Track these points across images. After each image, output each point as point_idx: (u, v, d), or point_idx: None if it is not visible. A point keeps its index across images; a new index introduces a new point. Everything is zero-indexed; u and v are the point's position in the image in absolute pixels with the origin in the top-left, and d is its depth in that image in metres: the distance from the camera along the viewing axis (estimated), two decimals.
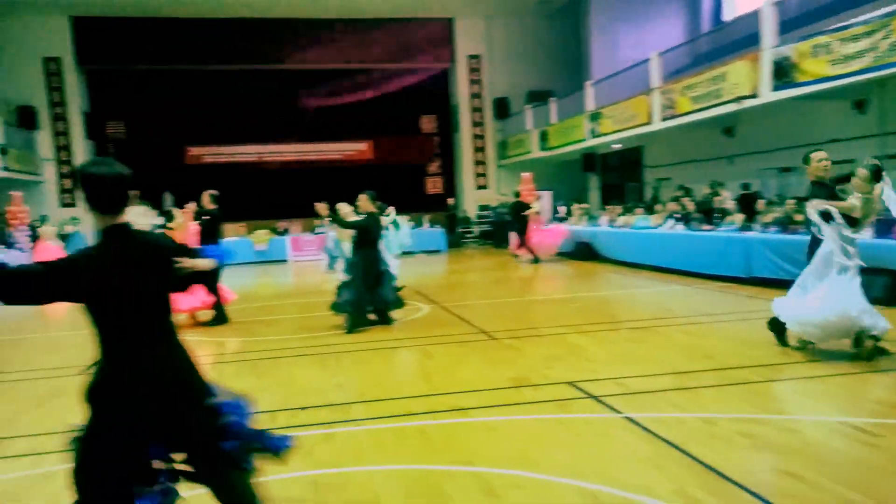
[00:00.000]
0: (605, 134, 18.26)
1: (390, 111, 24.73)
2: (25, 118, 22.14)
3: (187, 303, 8.76)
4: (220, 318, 9.27)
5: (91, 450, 2.60)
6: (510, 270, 15.79)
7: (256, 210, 22.28)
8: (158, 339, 2.65)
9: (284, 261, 20.12)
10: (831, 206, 5.76)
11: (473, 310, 10.09)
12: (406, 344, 7.66)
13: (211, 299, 9.11)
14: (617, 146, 20.33)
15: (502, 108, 25.06)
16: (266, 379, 6.28)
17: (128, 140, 23.94)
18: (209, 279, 8.85)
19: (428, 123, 25.98)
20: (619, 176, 22.40)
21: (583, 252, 16.53)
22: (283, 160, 24.71)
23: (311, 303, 11.38)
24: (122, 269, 2.53)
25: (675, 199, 15.27)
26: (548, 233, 17.27)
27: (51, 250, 18.19)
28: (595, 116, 18.69)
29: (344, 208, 9.49)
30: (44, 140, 22.69)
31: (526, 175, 17.97)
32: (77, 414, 5.45)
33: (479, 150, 25.50)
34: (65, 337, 9.61)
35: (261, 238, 20.39)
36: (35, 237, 18.55)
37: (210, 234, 9.26)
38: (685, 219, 14.03)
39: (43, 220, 19.56)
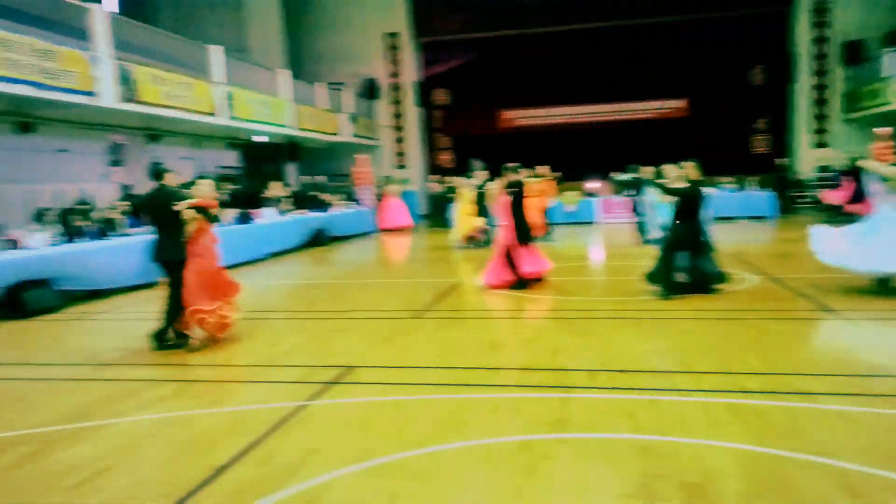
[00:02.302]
0: None
1: (712, 65, 22.87)
2: (369, 89, 25.09)
3: (530, 267, 9.03)
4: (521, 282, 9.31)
5: None
6: None
7: (566, 171, 22.50)
8: None
9: (592, 222, 20.04)
10: None
11: (813, 284, 8.86)
12: (733, 316, 7.03)
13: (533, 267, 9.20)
14: None
15: (853, 53, 21.56)
16: (583, 338, 6.26)
17: (451, 106, 25.78)
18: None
19: (757, 75, 23.49)
20: None
21: None
22: (594, 120, 24.45)
23: (621, 266, 11.14)
24: None
25: None
26: None
27: (394, 206, 20.63)
28: None
29: (671, 171, 8.97)
30: (383, 108, 25.51)
31: (882, 130, 15.30)
32: (413, 351, 6.01)
33: (820, 102, 22.38)
34: (400, 284, 10.75)
35: (570, 199, 20.55)
36: (379, 195, 21.12)
37: (516, 204, 9.09)
38: None
39: (388, 179, 22.06)
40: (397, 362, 5.71)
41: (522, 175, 9.72)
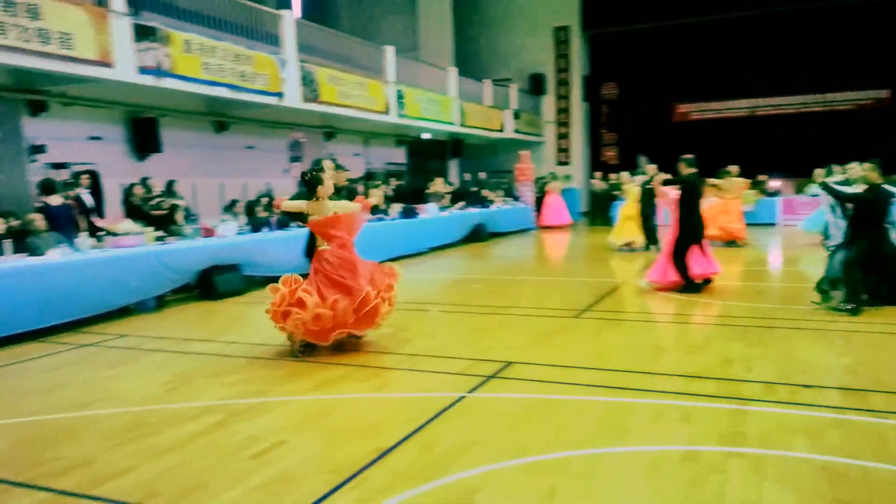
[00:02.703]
0: None
1: None
2: (535, 85, 25.00)
3: (699, 268, 8.61)
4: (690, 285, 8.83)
5: None
6: None
7: (744, 168, 21.12)
8: None
9: (773, 224, 18.62)
10: None
11: None
12: None
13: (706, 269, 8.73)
14: None
15: None
16: (759, 348, 5.83)
17: (619, 100, 25.07)
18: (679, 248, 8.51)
19: None
20: None
21: None
22: (778, 113, 22.70)
23: (802, 272, 10.26)
24: None
25: None
26: None
27: (555, 203, 20.47)
28: None
29: (856, 170, 8.07)
30: (548, 104, 25.32)
31: None
32: (572, 351, 5.91)
33: None
34: (559, 282, 10.62)
35: (748, 199, 19.19)
36: (540, 192, 21.04)
37: (688, 200, 8.53)
38: None
39: (553, 176, 21.90)
40: (556, 361, 5.65)
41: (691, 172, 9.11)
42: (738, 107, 23.19)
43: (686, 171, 8.63)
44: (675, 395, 4.66)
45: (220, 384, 5.26)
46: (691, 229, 8.49)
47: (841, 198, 7.57)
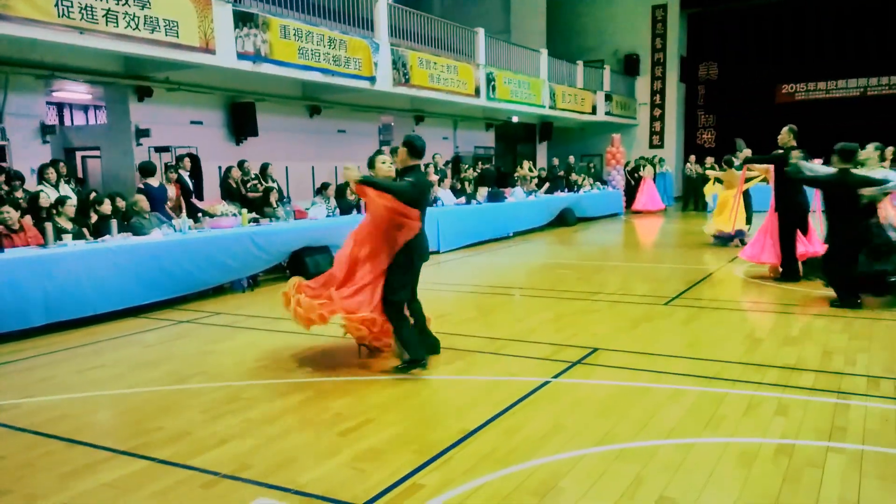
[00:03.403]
0: None
1: None
2: (629, 66, 24.30)
3: (802, 248, 8.18)
4: (789, 273, 8.36)
5: None
6: None
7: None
8: None
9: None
10: None
11: None
12: None
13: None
14: None
15: None
16: (863, 341, 5.51)
17: (718, 81, 24.07)
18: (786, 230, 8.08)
19: None
20: None
21: None
22: (891, 93, 21.18)
23: None
24: None
25: None
26: None
27: (647, 188, 19.90)
28: None
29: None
30: (642, 85, 24.57)
31: None
32: (661, 339, 5.76)
33: None
34: (649, 269, 10.35)
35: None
36: (632, 176, 20.52)
37: (782, 176, 7.92)
38: None
39: (644, 160, 21.29)
40: (644, 348, 5.52)
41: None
42: (847, 87, 21.77)
43: (790, 141, 8.09)
44: (771, 386, 4.47)
45: (309, 362, 5.44)
46: (791, 207, 8.04)
47: (806, 181, 7.15)
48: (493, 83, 16.42)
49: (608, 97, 22.47)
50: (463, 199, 13.50)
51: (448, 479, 3.26)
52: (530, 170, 17.77)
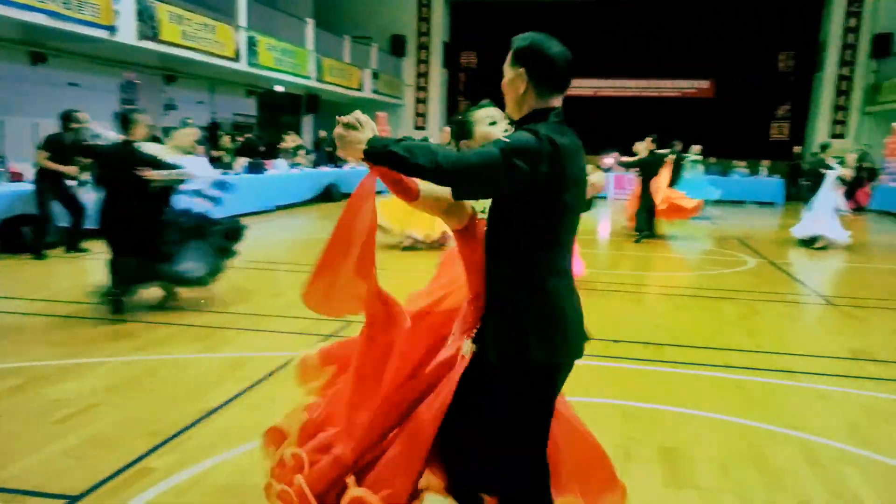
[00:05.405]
0: None
1: (740, 47, 22.41)
2: (396, 46, 24.74)
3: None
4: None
5: None
6: (861, 232, 13.17)
7: (586, 145, 22.22)
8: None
9: (604, 197, 19.83)
10: None
11: (809, 270, 9.08)
12: (729, 296, 7.10)
13: None
14: None
15: (882, 46, 21.06)
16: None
17: (478, 70, 25.40)
18: None
19: (783, 62, 23.03)
20: None
21: None
22: (619, 95, 24.14)
23: (619, 241, 11.51)
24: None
25: None
26: None
27: None
28: None
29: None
30: (408, 67, 25.19)
31: None
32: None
33: (842, 93, 21.93)
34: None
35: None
36: None
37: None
38: None
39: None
40: None
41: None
42: (584, 86, 24.27)
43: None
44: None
45: (24, 345, 4.84)
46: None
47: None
48: (255, 48, 15.71)
49: (376, 75, 22.71)
50: (219, 172, 12.80)
51: (182, 459, 3.13)
52: (294, 143, 17.42)
